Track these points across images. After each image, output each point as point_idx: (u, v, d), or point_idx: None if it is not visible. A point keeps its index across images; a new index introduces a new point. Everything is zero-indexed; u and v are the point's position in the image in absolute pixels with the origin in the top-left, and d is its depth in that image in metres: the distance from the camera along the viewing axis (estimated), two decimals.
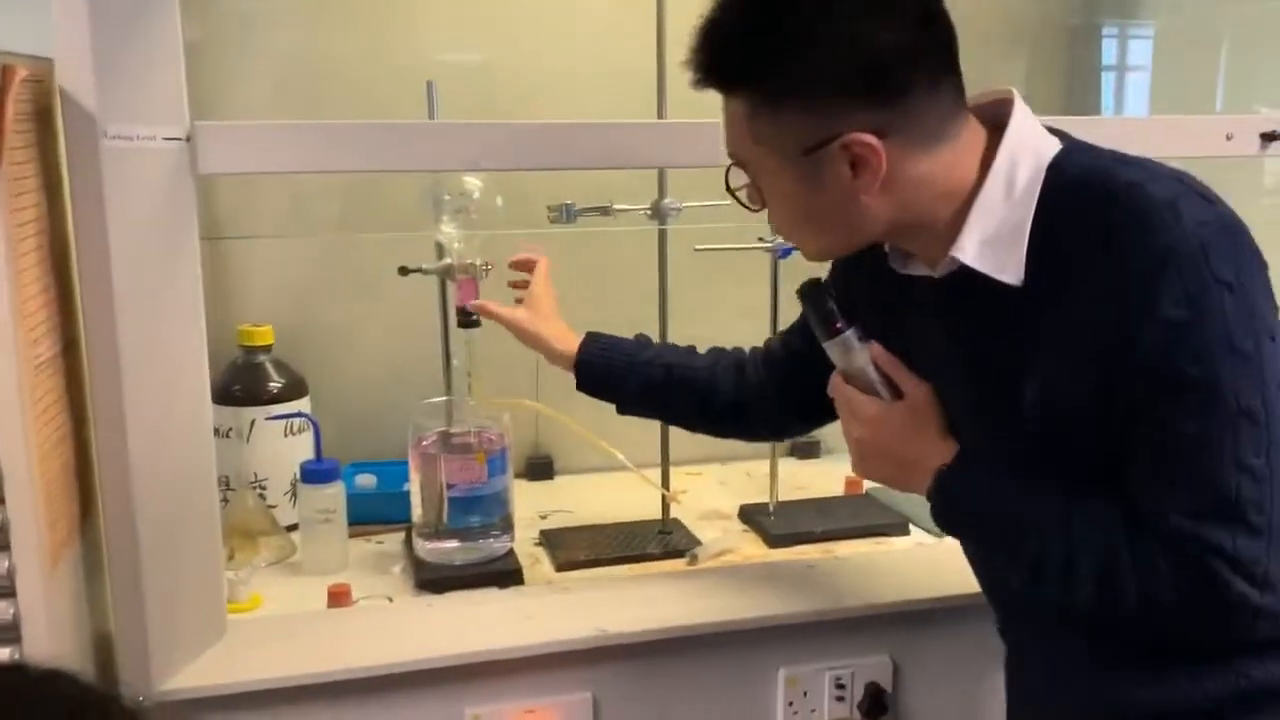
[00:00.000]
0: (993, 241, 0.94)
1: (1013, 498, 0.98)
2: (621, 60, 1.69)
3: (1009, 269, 0.94)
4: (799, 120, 0.93)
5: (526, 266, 1.41)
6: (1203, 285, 0.84)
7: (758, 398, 1.33)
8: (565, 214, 1.52)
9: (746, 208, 1.04)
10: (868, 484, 1.79)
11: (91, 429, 1.15)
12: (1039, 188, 0.93)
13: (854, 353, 1.07)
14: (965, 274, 0.96)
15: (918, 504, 1.64)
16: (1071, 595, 0.95)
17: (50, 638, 1.02)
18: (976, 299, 0.97)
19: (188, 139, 1.13)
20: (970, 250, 0.95)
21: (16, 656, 1.02)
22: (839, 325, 1.07)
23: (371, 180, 1.70)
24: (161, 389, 1.14)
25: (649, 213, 1.57)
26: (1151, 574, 0.89)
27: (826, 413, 1.18)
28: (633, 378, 1.32)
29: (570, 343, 1.34)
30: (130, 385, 1.11)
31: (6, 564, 1.01)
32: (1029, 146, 0.95)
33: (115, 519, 1.14)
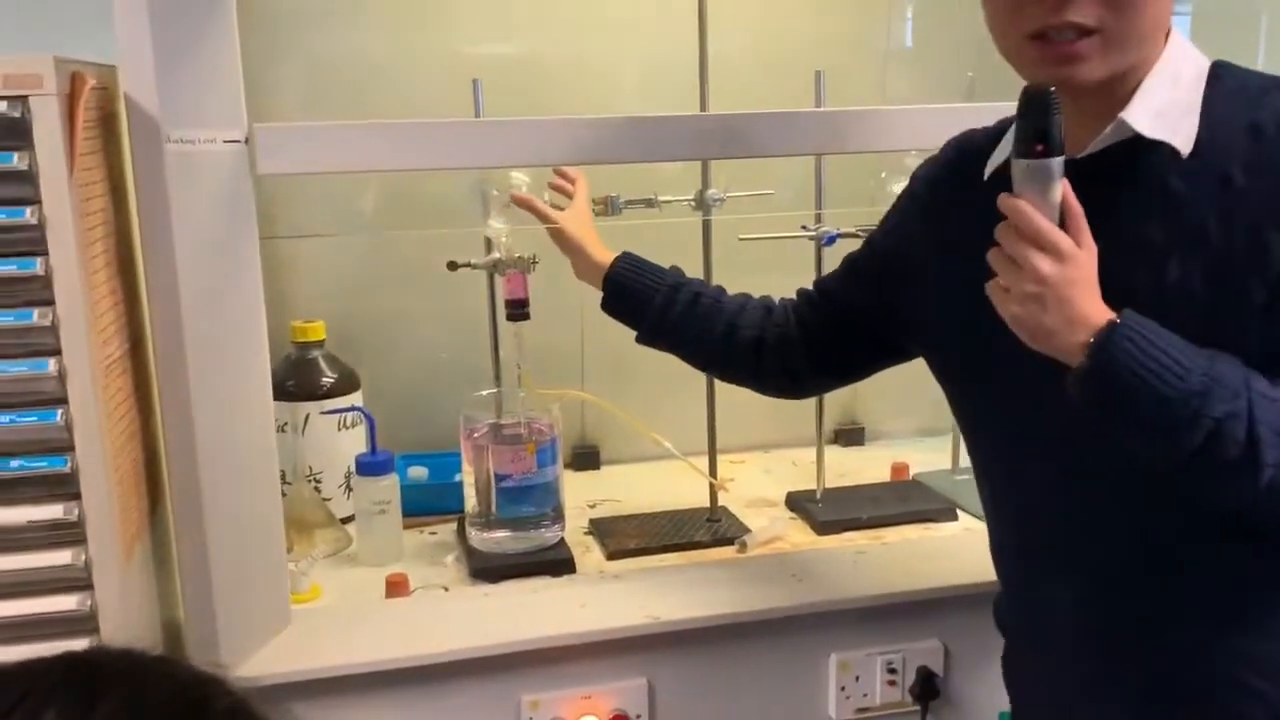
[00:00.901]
0: (1165, 113, 0.95)
1: (1198, 353, 0.90)
2: (663, 53, 1.71)
3: (1180, 137, 0.94)
4: None
5: (565, 190, 1.44)
6: None
7: (780, 339, 1.29)
8: (611, 206, 1.53)
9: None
10: (914, 469, 1.80)
11: (158, 425, 1.19)
12: (1203, 85, 0.96)
13: (1054, 183, 0.93)
14: (1107, 156, 0.96)
15: (964, 490, 1.66)
16: (1248, 473, 0.88)
17: (125, 628, 1.06)
18: (1122, 182, 0.97)
19: (246, 141, 1.16)
20: (1143, 119, 0.95)
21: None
22: (1049, 149, 0.93)
23: (418, 177, 1.73)
24: (226, 385, 1.17)
25: (693, 204, 1.59)
26: None
27: (847, 371, 1.23)
28: (658, 298, 1.31)
29: (605, 255, 1.36)
30: (196, 382, 1.14)
31: (84, 557, 1.04)
32: (1190, 52, 0.99)
33: (184, 512, 1.17)
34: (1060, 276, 0.91)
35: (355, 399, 1.70)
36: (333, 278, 1.80)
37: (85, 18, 1.12)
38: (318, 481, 1.66)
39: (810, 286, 1.34)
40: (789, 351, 1.29)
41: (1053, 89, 0.92)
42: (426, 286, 1.78)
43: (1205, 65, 0.98)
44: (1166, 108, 0.95)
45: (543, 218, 1.40)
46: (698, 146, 1.38)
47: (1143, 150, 0.95)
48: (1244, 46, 2.00)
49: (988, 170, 1.06)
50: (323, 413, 1.65)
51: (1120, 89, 0.96)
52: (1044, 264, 0.91)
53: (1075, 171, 0.95)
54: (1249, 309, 0.91)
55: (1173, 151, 0.94)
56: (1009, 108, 0.98)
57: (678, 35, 1.56)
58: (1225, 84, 0.97)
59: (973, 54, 1.82)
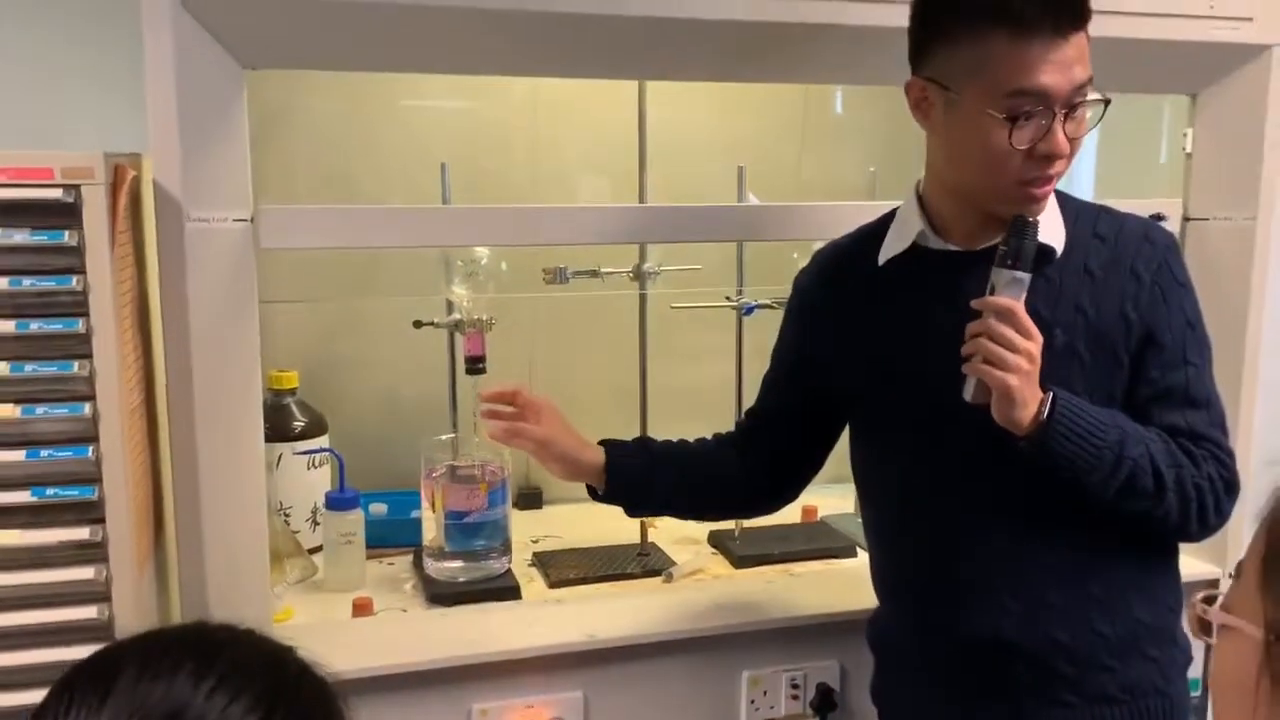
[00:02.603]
0: (1043, 223, 1.21)
1: (1109, 415, 1.20)
2: (609, 150, 1.94)
3: (1056, 241, 1.24)
4: None
5: (506, 398, 1.40)
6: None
7: (749, 470, 1.45)
8: (559, 276, 1.75)
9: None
10: (822, 512, 2.03)
11: (164, 463, 1.37)
12: (1057, 206, 1.27)
13: (1022, 292, 1.17)
14: (994, 249, 1.20)
15: (862, 530, 1.89)
16: (1158, 502, 1.20)
17: None
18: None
19: (252, 220, 1.36)
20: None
21: None
22: (1026, 265, 1.17)
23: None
24: (226, 428, 1.36)
25: (631, 275, 1.81)
26: (1206, 478, 1.22)
27: (814, 462, 1.46)
28: (657, 487, 1.41)
29: (593, 454, 1.39)
30: (202, 428, 1.33)
31: (105, 573, 1.22)
32: None
33: (186, 538, 1.35)
34: (1032, 356, 1.16)
35: (324, 441, 1.88)
36: (306, 332, 1.99)
37: (104, 110, 1.31)
38: (288, 515, 1.84)
39: (745, 418, 1.52)
40: (758, 475, 1.46)
41: (1035, 221, 1.18)
42: (391, 341, 1.97)
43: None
44: (1043, 219, 1.22)
45: (529, 442, 1.37)
46: (638, 232, 1.60)
47: None
48: (1149, 135, 2.24)
49: (882, 258, 1.31)
50: (295, 453, 1.83)
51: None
52: (1034, 348, 1.16)
53: (972, 260, 1.24)
54: (1118, 366, 1.24)
55: (1048, 250, 1.23)
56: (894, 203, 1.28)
57: (619, 112, 1.80)
58: (1069, 206, 1.29)
59: (876, 150, 2.09)
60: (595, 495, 1.42)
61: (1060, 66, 1.13)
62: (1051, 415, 1.16)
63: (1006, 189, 1.19)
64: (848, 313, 1.35)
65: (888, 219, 1.35)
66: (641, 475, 1.40)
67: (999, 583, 1.27)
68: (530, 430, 1.37)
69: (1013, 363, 1.14)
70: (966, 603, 1.28)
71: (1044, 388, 1.17)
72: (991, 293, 1.17)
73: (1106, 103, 1.18)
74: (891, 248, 1.31)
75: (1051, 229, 1.24)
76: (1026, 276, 1.17)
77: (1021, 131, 1.14)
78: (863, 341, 1.33)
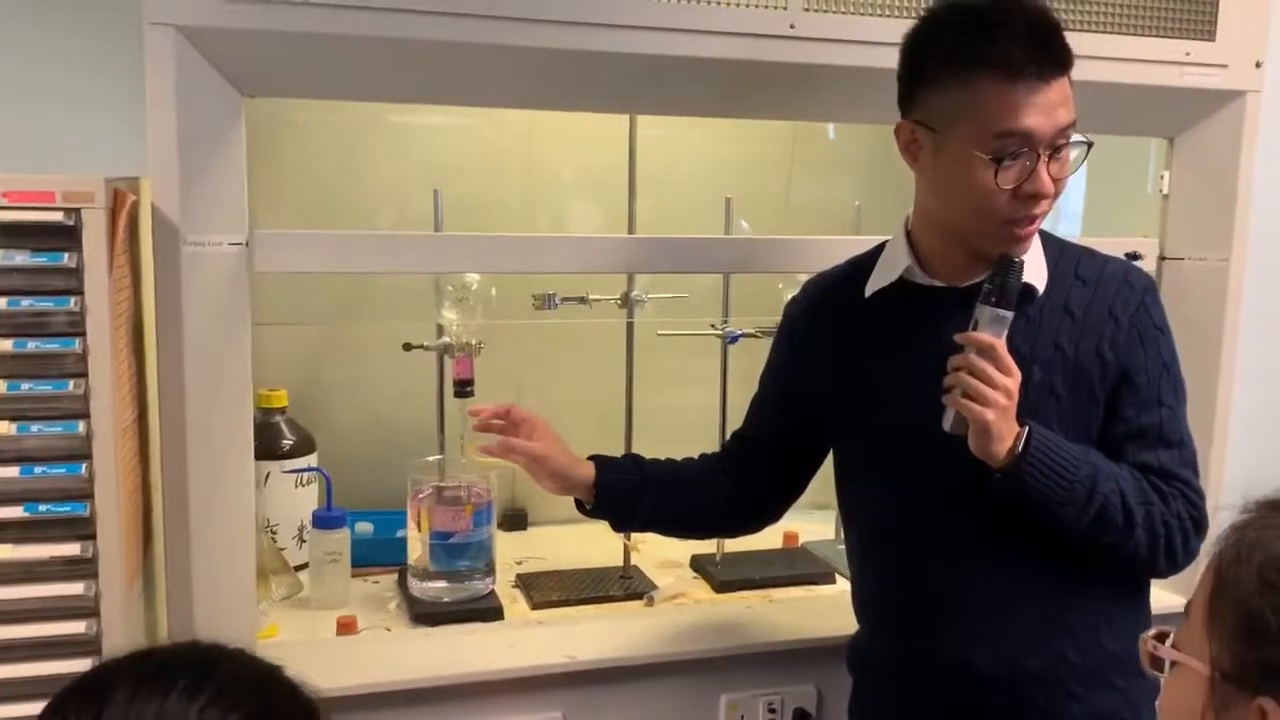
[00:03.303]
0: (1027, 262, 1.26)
1: (1082, 451, 1.23)
2: (600, 176, 1.98)
3: (1038, 280, 1.28)
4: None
5: (500, 414, 1.40)
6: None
7: (735, 491, 1.47)
8: (548, 302, 1.78)
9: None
10: (803, 538, 2.06)
11: (154, 481, 1.39)
12: (1040, 246, 1.31)
13: (1003, 330, 1.20)
14: (979, 286, 1.23)
15: (842, 556, 1.92)
16: (1128, 536, 1.23)
17: (126, 650, 1.25)
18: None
19: (246, 244, 1.39)
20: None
21: None
22: (1009, 304, 1.20)
23: None
24: (217, 447, 1.38)
25: (619, 302, 1.85)
26: (1175, 516, 1.25)
27: (794, 485, 1.49)
28: (645, 502, 1.42)
29: (584, 469, 1.40)
30: (194, 445, 1.35)
31: (94, 589, 1.24)
32: None
33: (174, 555, 1.37)
34: (1011, 390, 1.19)
35: (311, 460, 1.90)
36: (297, 352, 2.01)
37: (102, 133, 1.33)
38: (274, 532, 1.86)
39: (732, 441, 1.54)
40: (743, 496, 1.48)
41: (1020, 261, 1.22)
42: (381, 363, 2.00)
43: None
44: (1028, 259, 1.26)
45: (529, 460, 1.37)
46: (631, 263, 1.64)
47: None
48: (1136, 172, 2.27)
49: (869, 291, 1.35)
50: (283, 471, 1.86)
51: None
52: (1012, 385, 1.19)
53: (958, 296, 1.28)
54: (1094, 404, 1.28)
55: (1030, 289, 1.26)
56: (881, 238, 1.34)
57: (610, 139, 1.84)
58: (1052, 245, 1.33)
59: (861, 185, 2.13)
60: (583, 510, 1.43)
61: (1044, 109, 1.17)
62: (1026, 449, 1.20)
63: (992, 228, 1.22)
64: (834, 342, 1.39)
65: (877, 251, 1.39)
66: (630, 492, 1.41)
67: (974, 611, 1.30)
68: (524, 446, 1.37)
69: (991, 398, 1.18)
70: (942, 629, 1.31)
71: (1021, 422, 1.21)
72: (974, 328, 1.21)
73: (1089, 145, 1.23)
74: (878, 281, 1.35)
75: (1034, 268, 1.28)
76: (1009, 314, 1.20)
77: (1007, 172, 1.18)
78: (848, 371, 1.36)
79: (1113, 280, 1.30)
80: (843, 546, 1.99)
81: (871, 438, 1.36)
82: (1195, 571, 1.34)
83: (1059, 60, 1.18)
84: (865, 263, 1.39)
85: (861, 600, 1.45)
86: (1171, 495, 1.27)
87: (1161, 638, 0.80)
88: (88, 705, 0.67)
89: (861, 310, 1.36)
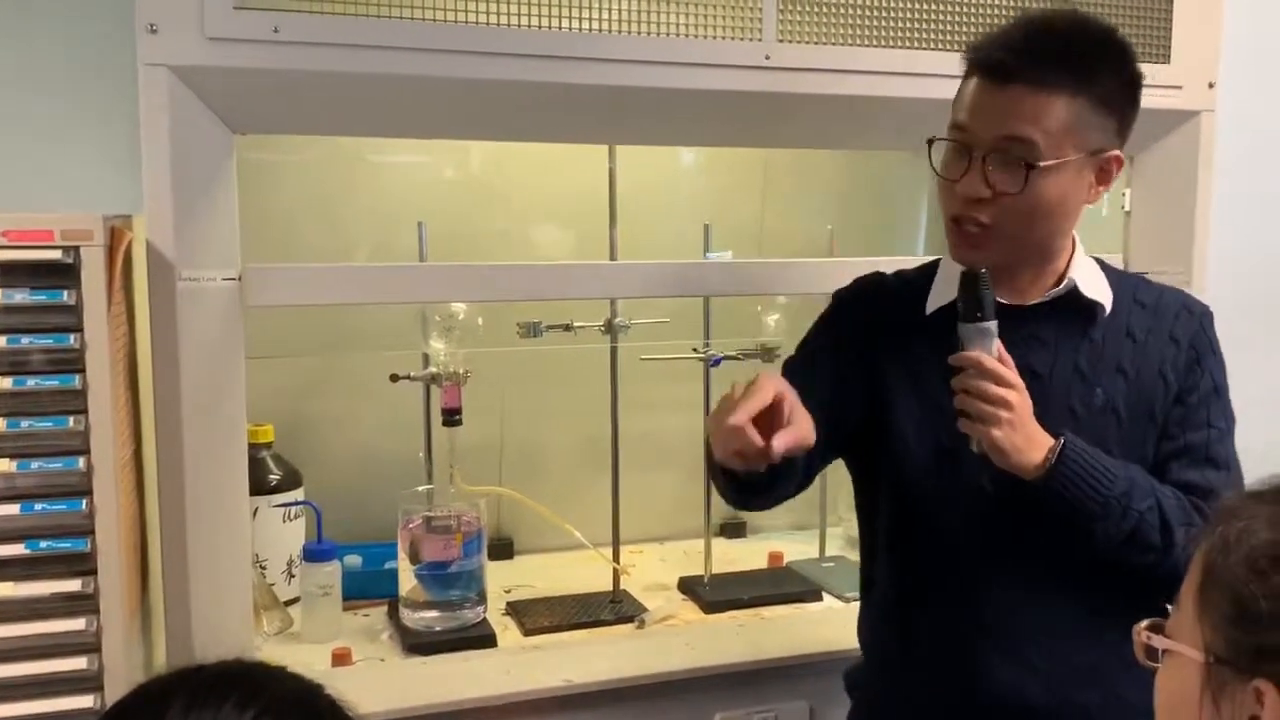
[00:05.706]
0: (1090, 283, 1.29)
1: (1121, 466, 1.21)
2: (580, 204, 2.01)
3: (1105, 300, 1.29)
4: (1099, 121, 1.23)
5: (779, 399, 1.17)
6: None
7: None
8: (533, 331, 1.81)
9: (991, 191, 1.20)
10: (788, 558, 2.09)
11: (150, 515, 1.40)
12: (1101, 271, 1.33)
13: (994, 339, 1.19)
14: (1043, 307, 1.27)
15: (828, 574, 1.95)
16: (1165, 555, 1.19)
17: (127, 685, 1.25)
18: (1057, 327, 1.28)
19: (239, 278, 1.40)
20: (1084, 285, 1.27)
21: (97, 705, 1.25)
22: (987, 314, 1.19)
23: None
24: (213, 483, 1.40)
25: (603, 329, 1.88)
26: None
27: (812, 475, 1.33)
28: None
29: None
30: (191, 480, 1.36)
31: (95, 624, 1.24)
32: (1081, 250, 1.32)
33: (173, 589, 1.38)
34: (1021, 404, 1.18)
35: (299, 494, 1.91)
36: (283, 386, 2.01)
37: (97, 171, 1.35)
38: (263, 567, 1.86)
39: None
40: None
41: (984, 271, 1.20)
42: (367, 394, 2.01)
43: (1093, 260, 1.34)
44: (1091, 280, 1.30)
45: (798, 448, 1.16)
46: (614, 288, 1.67)
47: (1070, 308, 1.29)
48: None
49: (930, 308, 1.31)
50: (271, 506, 1.86)
51: (1048, 266, 1.29)
52: (1011, 396, 1.18)
53: (1024, 315, 1.28)
54: (1153, 424, 1.28)
55: (1095, 309, 1.28)
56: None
57: (590, 168, 1.87)
58: (1111, 272, 1.35)
59: (833, 210, 2.19)
60: (729, 478, 1.23)
61: (989, 112, 1.20)
62: (1060, 460, 1.18)
63: (947, 227, 1.26)
64: (894, 352, 1.33)
65: (927, 268, 1.37)
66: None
67: (1025, 643, 1.26)
68: (804, 431, 1.15)
69: (990, 414, 1.17)
70: (989, 662, 1.27)
71: (1057, 434, 1.20)
72: (962, 349, 1.20)
73: (1030, 167, 1.18)
74: (939, 298, 1.31)
75: (1098, 287, 1.30)
76: (992, 324, 1.19)
77: (938, 156, 1.23)
78: (927, 389, 1.30)
79: (1172, 305, 1.33)
80: (829, 564, 2.04)
81: (926, 456, 1.30)
82: None
83: (1038, 75, 1.17)
84: (916, 279, 1.37)
85: (893, 625, 1.37)
86: None
87: (1155, 629, 0.84)
88: (148, 717, 0.68)
89: (923, 327, 1.31)
